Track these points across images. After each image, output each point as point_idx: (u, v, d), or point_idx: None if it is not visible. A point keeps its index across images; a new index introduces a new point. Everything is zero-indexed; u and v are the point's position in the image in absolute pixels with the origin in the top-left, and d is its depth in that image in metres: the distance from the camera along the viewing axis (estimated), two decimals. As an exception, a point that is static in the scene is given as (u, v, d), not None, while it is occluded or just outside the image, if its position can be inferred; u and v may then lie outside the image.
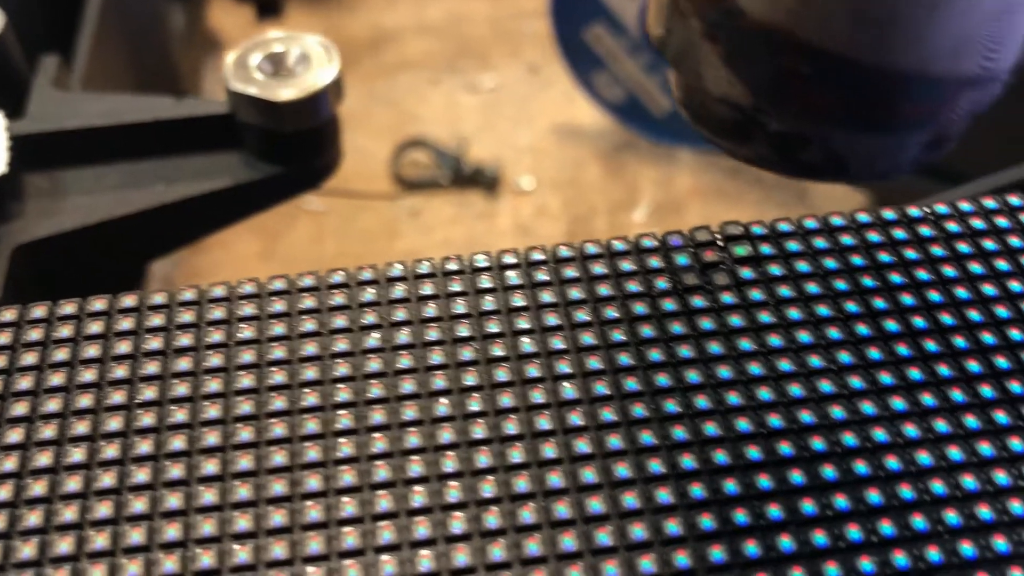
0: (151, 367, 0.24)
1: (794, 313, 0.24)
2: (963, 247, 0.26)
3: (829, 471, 0.21)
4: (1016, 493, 0.21)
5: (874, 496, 0.21)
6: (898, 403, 0.23)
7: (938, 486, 0.21)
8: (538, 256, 0.26)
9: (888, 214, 0.27)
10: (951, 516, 0.21)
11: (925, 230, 0.27)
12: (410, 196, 0.73)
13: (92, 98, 0.39)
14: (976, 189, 0.33)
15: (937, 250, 0.26)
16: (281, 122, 0.36)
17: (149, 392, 0.23)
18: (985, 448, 0.22)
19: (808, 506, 0.21)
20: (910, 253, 0.26)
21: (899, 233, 0.26)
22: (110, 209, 0.35)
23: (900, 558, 0.20)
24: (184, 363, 0.24)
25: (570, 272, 0.26)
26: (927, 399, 0.23)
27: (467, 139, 0.77)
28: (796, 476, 0.21)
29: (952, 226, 0.27)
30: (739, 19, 0.18)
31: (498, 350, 0.24)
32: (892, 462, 0.22)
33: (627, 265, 0.26)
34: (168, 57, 0.64)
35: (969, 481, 0.21)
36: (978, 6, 0.18)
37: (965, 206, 0.27)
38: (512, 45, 0.90)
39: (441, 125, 0.80)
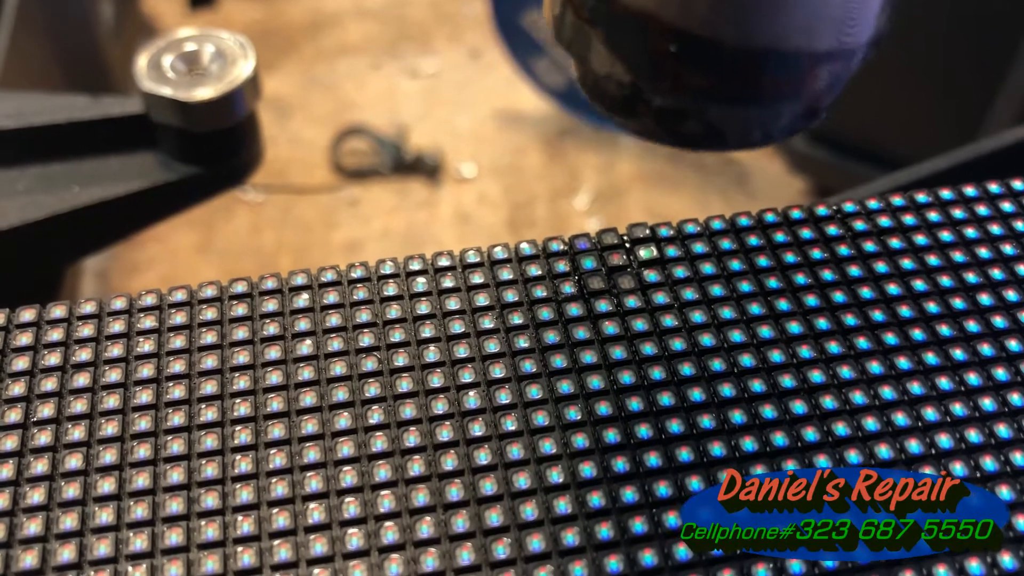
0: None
1: (697, 316, 0.25)
2: (869, 246, 0.26)
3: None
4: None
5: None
6: (799, 406, 0.23)
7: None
8: (445, 262, 0.26)
9: (796, 214, 0.27)
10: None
11: (832, 229, 0.27)
12: (349, 185, 0.72)
13: (1, 97, 0.38)
14: (907, 177, 0.33)
15: (843, 249, 0.26)
16: (197, 122, 0.35)
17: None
18: (883, 450, 0.22)
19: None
20: (816, 253, 0.26)
21: (806, 233, 0.27)
22: (21, 214, 0.34)
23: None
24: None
25: (477, 278, 0.26)
26: (828, 402, 0.23)
27: (407, 126, 0.76)
28: (695, 483, 0.22)
29: (859, 224, 0.27)
30: (612, 3, 0.20)
31: (401, 359, 0.24)
32: (791, 465, 0.22)
33: (534, 269, 0.26)
34: (98, 49, 0.63)
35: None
36: None
37: (873, 204, 0.27)
38: (453, 28, 0.90)
39: (381, 111, 0.79)
